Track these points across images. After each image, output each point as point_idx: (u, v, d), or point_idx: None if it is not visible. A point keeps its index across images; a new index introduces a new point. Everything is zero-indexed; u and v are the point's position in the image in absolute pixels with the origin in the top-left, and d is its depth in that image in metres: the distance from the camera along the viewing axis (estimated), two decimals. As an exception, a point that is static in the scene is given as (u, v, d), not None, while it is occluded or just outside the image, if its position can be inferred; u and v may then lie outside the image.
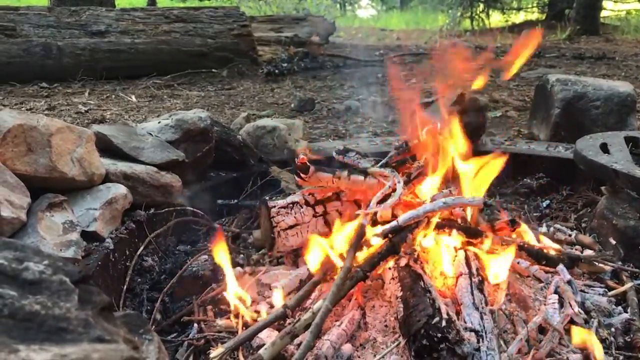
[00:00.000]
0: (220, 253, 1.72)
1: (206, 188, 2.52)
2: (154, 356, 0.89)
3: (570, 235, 2.24)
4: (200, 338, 1.64)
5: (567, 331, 1.53)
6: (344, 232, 1.74)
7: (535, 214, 2.56)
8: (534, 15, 15.51)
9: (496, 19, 15.61)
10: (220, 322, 1.70)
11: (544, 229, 2.33)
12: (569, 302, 1.61)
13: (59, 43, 5.84)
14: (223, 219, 2.48)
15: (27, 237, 1.62)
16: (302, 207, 2.02)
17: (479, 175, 1.96)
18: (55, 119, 1.85)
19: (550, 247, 1.97)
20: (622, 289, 1.82)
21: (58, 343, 0.65)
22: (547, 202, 2.67)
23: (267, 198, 2.08)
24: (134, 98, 5.19)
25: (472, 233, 1.76)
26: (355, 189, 2.03)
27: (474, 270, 1.62)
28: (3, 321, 0.65)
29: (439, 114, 3.11)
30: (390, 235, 1.67)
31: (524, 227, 1.98)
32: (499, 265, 1.68)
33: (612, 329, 1.60)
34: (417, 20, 17.41)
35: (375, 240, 1.68)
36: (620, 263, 1.98)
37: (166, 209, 2.19)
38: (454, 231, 1.75)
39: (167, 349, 1.60)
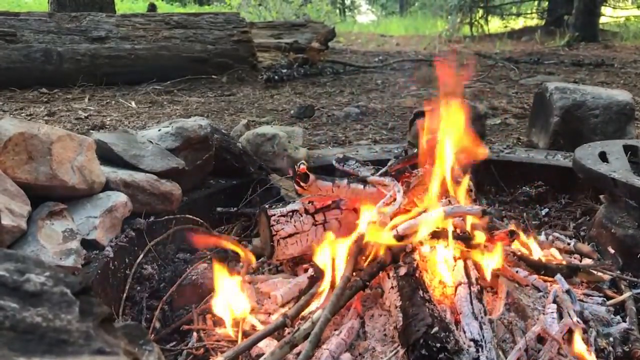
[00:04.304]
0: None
1: (206, 196, 2.52)
2: (154, 367, 0.89)
3: (569, 244, 2.24)
4: (200, 347, 1.64)
5: (566, 341, 1.53)
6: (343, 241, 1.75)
7: (534, 222, 2.57)
8: (533, 21, 15.57)
9: (495, 24, 15.67)
10: (220, 331, 1.70)
11: (542, 237, 2.33)
12: (568, 312, 1.61)
13: (59, 49, 5.85)
14: (222, 227, 2.48)
15: (27, 246, 1.63)
16: (301, 216, 2.03)
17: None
18: (55, 127, 1.86)
19: (551, 256, 1.97)
20: (620, 298, 1.83)
21: (59, 355, 0.65)
22: (546, 210, 2.68)
23: (266, 206, 2.08)
24: (133, 104, 5.20)
25: (470, 242, 1.76)
26: (355, 198, 2.03)
27: (473, 280, 1.62)
28: (4, 333, 0.65)
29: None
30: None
31: (523, 237, 1.99)
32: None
33: (611, 339, 1.60)
34: (417, 26, 17.46)
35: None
36: (618, 272, 1.98)
37: (166, 217, 2.19)
38: (453, 240, 1.76)
39: (166, 358, 1.61)
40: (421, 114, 3.22)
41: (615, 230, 2.11)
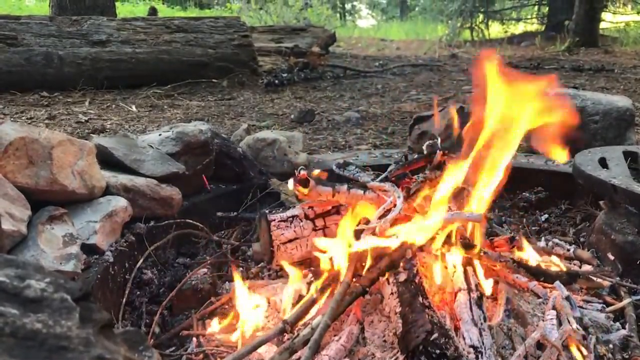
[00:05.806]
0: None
1: (206, 200, 2.52)
2: (154, 374, 0.89)
3: (568, 250, 2.24)
4: (199, 352, 1.64)
5: (566, 347, 1.53)
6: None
7: (533, 228, 2.56)
8: (533, 26, 15.61)
9: (496, 29, 15.70)
10: (219, 336, 1.70)
11: (542, 243, 2.33)
12: (567, 318, 1.61)
13: (60, 52, 5.86)
14: (222, 232, 2.48)
15: (27, 250, 1.63)
16: (301, 221, 2.03)
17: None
18: (56, 132, 1.86)
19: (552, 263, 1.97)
20: (620, 304, 1.83)
21: (59, 361, 0.65)
22: (546, 216, 2.67)
23: (266, 211, 2.08)
24: (134, 108, 5.21)
25: (470, 248, 1.76)
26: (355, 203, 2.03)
27: (472, 286, 1.62)
28: (4, 340, 0.65)
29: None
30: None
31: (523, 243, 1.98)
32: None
33: (610, 346, 1.59)
34: (417, 30, 17.50)
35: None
36: (618, 278, 1.98)
37: (166, 222, 2.19)
38: (453, 247, 1.76)
39: (165, 363, 1.61)
40: (422, 119, 3.23)
41: (615, 236, 2.11)
